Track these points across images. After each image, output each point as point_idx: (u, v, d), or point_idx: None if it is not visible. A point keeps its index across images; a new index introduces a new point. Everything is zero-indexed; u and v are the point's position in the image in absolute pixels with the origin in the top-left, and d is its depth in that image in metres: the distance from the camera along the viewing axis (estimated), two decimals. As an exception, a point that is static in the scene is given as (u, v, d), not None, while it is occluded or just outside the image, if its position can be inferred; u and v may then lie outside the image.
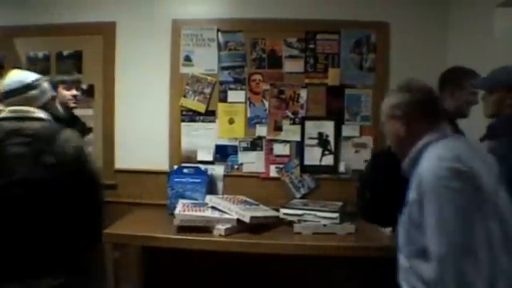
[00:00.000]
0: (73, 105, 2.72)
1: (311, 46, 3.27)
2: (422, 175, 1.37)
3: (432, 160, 1.38)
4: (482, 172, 1.34)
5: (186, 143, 3.36)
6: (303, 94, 3.28)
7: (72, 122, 2.70)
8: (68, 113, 2.71)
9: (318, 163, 3.28)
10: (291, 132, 3.30)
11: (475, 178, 1.31)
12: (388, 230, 2.59)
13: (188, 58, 3.34)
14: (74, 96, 2.69)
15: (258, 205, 3.00)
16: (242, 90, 3.32)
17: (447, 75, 2.61)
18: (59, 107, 2.51)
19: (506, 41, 2.44)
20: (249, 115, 3.32)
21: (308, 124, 3.29)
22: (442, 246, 1.25)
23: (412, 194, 1.41)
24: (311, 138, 3.28)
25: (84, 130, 2.99)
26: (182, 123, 3.36)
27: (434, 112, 1.50)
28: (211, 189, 3.24)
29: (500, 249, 1.26)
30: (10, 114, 1.85)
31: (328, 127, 3.27)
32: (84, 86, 3.44)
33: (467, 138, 1.60)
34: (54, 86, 2.50)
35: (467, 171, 1.30)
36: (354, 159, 3.25)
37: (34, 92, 1.93)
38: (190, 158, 3.34)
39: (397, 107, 1.53)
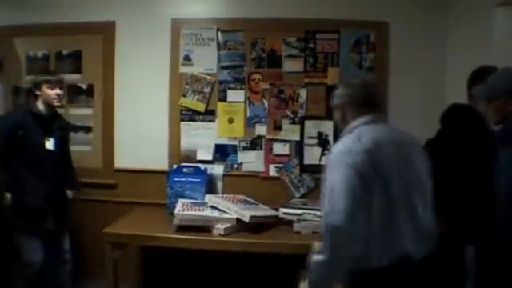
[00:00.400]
0: (57, 103, 2.75)
1: (311, 45, 3.27)
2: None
3: (342, 139, 1.67)
4: (385, 155, 1.57)
5: (185, 143, 3.37)
6: (303, 93, 3.28)
7: (52, 119, 2.77)
8: (50, 111, 2.74)
9: (317, 162, 3.28)
10: (291, 131, 3.30)
11: (371, 158, 1.54)
12: None
13: (187, 58, 3.34)
14: (58, 95, 2.72)
15: (257, 204, 3.00)
16: (241, 89, 3.32)
17: (474, 75, 2.51)
18: (40, 105, 2.64)
19: (505, 40, 2.44)
20: (248, 115, 3.33)
21: (307, 123, 3.29)
22: (327, 208, 1.55)
23: None
24: (311, 138, 3.28)
25: (67, 127, 3.02)
26: (182, 123, 3.36)
27: (366, 103, 1.75)
28: (211, 188, 3.24)
29: (377, 217, 1.53)
30: None
31: (327, 127, 3.27)
32: (84, 86, 3.46)
33: (393, 127, 1.77)
34: (38, 85, 2.64)
35: (360, 151, 1.54)
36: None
37: None
38: (190, 157, 3.34)
39: (336, 98, 1.86)
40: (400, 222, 1.55)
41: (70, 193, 2.92)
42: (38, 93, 2.68)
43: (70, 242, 2.91)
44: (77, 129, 3.47)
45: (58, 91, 2.71)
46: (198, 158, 3.34)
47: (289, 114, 3.30)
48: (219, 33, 3.31)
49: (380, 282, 1.56)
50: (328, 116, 3.26)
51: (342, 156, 1.57)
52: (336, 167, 1.56)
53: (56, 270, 2.82)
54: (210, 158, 3.34)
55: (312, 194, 3.27)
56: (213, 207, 2.81)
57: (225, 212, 2.73)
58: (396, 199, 1.55)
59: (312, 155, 3.28)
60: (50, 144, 2.69)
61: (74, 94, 3.48)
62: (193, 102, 3.34)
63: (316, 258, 1.58)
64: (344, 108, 1.80)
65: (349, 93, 1.81)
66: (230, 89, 3.33)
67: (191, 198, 3.05)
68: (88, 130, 3.47)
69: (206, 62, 3.33)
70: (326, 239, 1.52)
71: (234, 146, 3.34)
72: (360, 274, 1.56)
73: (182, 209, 2.74)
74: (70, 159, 2.99)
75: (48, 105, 2.71)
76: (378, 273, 1.55)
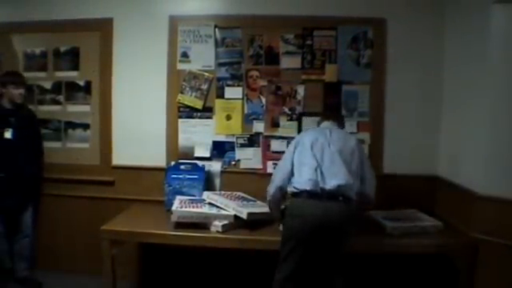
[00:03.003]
0: (19, 101, 3.16)
1: (308, 42, 3.27)
2: None
3: None
4: (307, 140, 2.49)
5: (183, 139, 3.37)
6: (300, 90, 3.28)
7: (17, 109, 3.18)
8: (14, 105, 3.16)
9: (315, 159, 3.28)
10: (288, 128, 3.30)
11: (299, 142, 2.53)
12: None
13: (185, 55, 3.34)
14: (21, 94, 3.14)
15: (255, 201, 3.00)
16: (239, 86, 3.32)
17: None
18: (5, 102, 3.14)
19: (503, 36, 2.44)
20: (246, 111, 3.33)
21: (305, 120, 3.29)
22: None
23: None
24: (308, 135, 3.28)
25: (32, 115, 3.36)
26: (180, 119, 3.36)
27: (322, 113, 2.98)
28: (208, 185, 3.25)
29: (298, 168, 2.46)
30: None
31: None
32: (81, 83, 3.45)
33: (321, 129, 2.63)
34: (4, 85, 3.10)
35: (298, 140, 2.57)
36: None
37: None
38: (187, 154, 3.35)
39: None
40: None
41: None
42: (3, 91, 3.12)
43: (35, 219, 3.30)
44: (74, 126, 3.49)
45: (21, 91, 3.14)
46: (196, 154, 3.34)
47: (286, 110, 3.30)
48: (217, 30, 3.31)
49: None
50: (326, 113, 3.27)
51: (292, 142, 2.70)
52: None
53: (17, 240, 3.23)
54: (207, 154, 3.34)
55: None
56: (210, 204, 2.81)
57: (222, 209, 2.74)
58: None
59: (310, 152, 3.28)
60: (8, 134, 3.10)
61: (72, 91, 3.48)
62: (190, 99, 3.34)
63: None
64: None
65: None
66: (228, 86, 3.32)
67: (189, 195, 3.06)
68: (86, 127, 3.48)
69: (203, 58, 3.33)
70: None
71: (232, 143, 3.34)
72: None
73: (180, 206, 2.74)
74: (32, 148, 3.27)
75: (11, 101, 3.13)
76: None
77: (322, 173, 2.36)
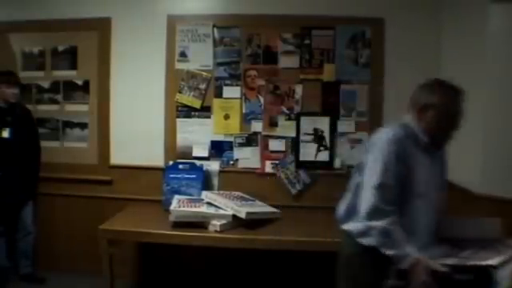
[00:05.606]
0: (13, 100, 3.17)
1: (306, 41, 3.27)
2: None
3: None
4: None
5: (181, 139, 3.37)
6: (298, 89, 3.28)
7: (13, 108, 3.19)
8: (8, 104, 3.16)
9: (313, 159, 3.28)
10: (286, 128, 3.30)
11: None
12: None
13: (183, 54, 3.33)
14: (14, 94, 3.17)
15: (254, 200, 3.01)
16: (237, 85, 3.32)
17: None
18: (0, 101, 3.14)
19: (500, 36, 2.45)
20: (244, 111, 3.33)
21: (303, 120, 3.29)
22: None
23: None
24: (306, 134, 3.29)
25: (28, 113, 3.34)
26: (178, 119, 3.36)
27: None
28: (206, 185, 3.24)
29: None
30: None
31: (323, 123, 3.28)
32: (79, 82, 3.45)
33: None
34: None
35: None
36: (350, 155, 3.26)
37: None
38: (186, 153, 3.35)
39: None
40: None
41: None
42: None
43: (35, 216, 3.32)
44: (72, 125, 3.48)
45: (14, 91, 3.15)
46: (194, 154, 3.34)
47: (284, 110, 3.30)
48: (215, 29, 3.31)
49: None
50: (324, 112, 3.27)
51: None
52: None
53: (20, 238, 3.26)
54: (205, 154, 3.34)
55: (308, 190, 3.29)
56: (209, 204, 2.81)
57: (221, 208, 2.73)
58: None
59: (308, 151, 3.29)
60: (6, 133, 3.12)
61: (70, 90, 3.48)
62: (189, 99, 3.34)
63: None
64: None
65: None
66: (226, 85, 3.32)
67: (187, 195, 3.06)
68: (84, 126, 3.47)
69: (201, 58, 3.33)
70: None
71: (230, 143, 3.34)
72: None
73: (178, 205, 2.74)
74: (29, 146, 3.28)
75: (5, 101, 3.14)
76: None
77: None
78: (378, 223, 1.63)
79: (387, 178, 1.65)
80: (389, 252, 1.62)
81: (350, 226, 1.82)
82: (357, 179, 1.84)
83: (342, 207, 1.93)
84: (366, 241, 1.72)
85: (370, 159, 1.73)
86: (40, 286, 3.23)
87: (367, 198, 1.68)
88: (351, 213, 1.82)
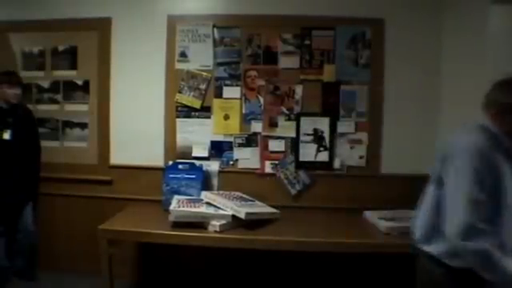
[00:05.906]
0: (15, 101, 3.11)
1: (307, 42, 3.27)
2: None
3: None
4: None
5: (181, 139, 3.36)
6: (298, 90, 3.28)
7: (14, 109, 3.13)
8: (10, 105, 3.11)
9: (313, 159, 3.28)
10: (286, 128, 3.30)
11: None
12: None
13: (183, 54, 3.33)
14: (16, 94, 3.10)
15: (253, 201, 3.00)
16: (237, 85, 3.32)
17: None
18: (1, 102, 3.07)
19: (500, 37, 2.45)
20: (244, 111, 3.32)
21: (303, 120, 3.29)
22: None
23: None
24: (306, 134, 3.29)
25: (29, 113, 3.30)
26: (178, 119, 3.36)
27: None
28: (206, 185, 3.24)
29: None
30: None
31: (323, 123, 3.27)
32: (79, 82, 3.45)
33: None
34: None
35: None
36: (349, 155, 3.26)
37: None
38: (185, 154, 3.34)
39: None
40: None
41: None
42: None
43: (35, 217, 3.26)
44: (72, 125, 3.48)
45: (16, 91, 3.09)
46: (194, 154, 3.34)
47: (284, 110, 3.30)
48: (215, 29, 3.31)
49: None
50: (323, 113, 3.27)
51: None
52: None
53: (19, 239, 3.21)
54: (205, 154, 3.34)
55: (307, 190, 3.28)
56: (208, 204, 2.81)
57: (220, 209, 2.73)
58: None
59: (308, 152, 3.28)
60: (7, 135, 3.07)
61: (70, 90, 3.47)
62: (189, 99, 3.34)
63: None
64: None
65: None
66: (226, 85, 3.32)
67: (187, 195, 3.06)
68: (84, 126, 3.47)
69: (201, 58, 3.32)
70: None
71: (230, 143, 3.34)
72: None
73: (178, 205, 2.74)
74: (30, 147, 3.24)
75: (6, 101, 3.08)
76: None
77: None
78: (476, 245, 1.48)
79: (478, 192, 1.51)
80: (489, 275, 1.50)
81: (435, 248, 1.69)
82: (435, 193, 1.72)
83: (419, 225, 1.78)
84: (456, 263, 1.60)
85: (454, 172, 1.59)
86: (40, 286, 3.21)
87: (457, 216, 1.53)
88: (433, 232, 1.70)
